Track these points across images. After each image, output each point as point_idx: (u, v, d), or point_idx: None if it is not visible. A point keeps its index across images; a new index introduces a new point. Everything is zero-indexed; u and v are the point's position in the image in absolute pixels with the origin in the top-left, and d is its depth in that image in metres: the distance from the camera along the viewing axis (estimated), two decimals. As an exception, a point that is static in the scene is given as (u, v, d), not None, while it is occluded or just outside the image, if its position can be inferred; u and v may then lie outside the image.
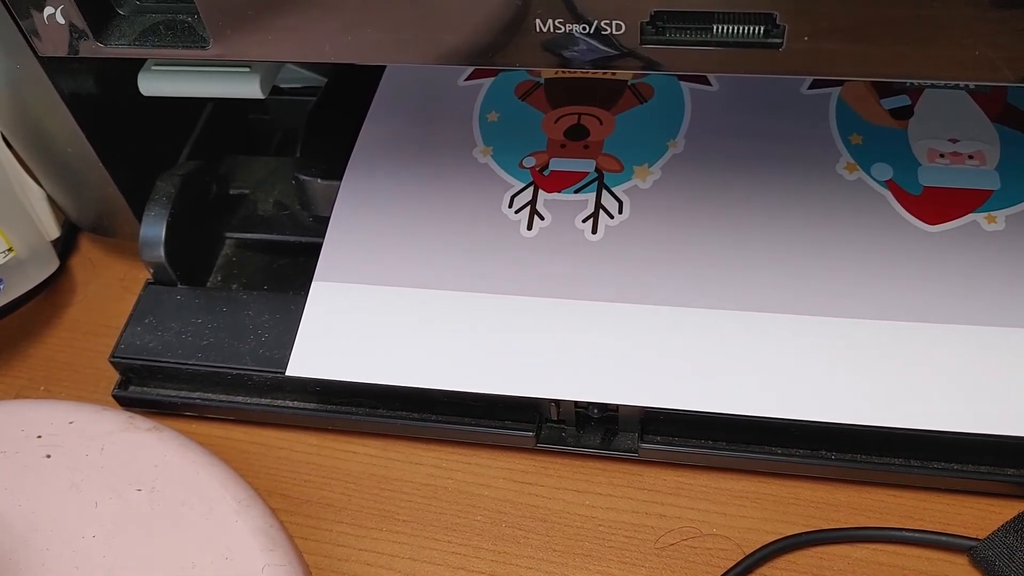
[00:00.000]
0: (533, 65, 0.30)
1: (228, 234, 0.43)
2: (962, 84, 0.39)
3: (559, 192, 0.38)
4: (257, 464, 0.39)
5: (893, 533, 0.34)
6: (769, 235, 0.36)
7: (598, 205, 0.38)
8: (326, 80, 0.45)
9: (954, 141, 0.38)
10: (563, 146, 0.40)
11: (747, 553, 0.34)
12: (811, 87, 0.40)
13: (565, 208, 0.38)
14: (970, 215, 0.36)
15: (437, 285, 0.37)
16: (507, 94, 0.42)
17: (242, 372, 0.38)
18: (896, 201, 0.36)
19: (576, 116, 0.40)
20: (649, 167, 0.38)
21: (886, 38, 0.27)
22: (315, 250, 0.38)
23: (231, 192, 0.44)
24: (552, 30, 0.29)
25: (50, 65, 0.36)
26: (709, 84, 0.41)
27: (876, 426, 0.32)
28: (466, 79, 0.43)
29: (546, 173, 0.39)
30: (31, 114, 0.39)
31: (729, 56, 0.29)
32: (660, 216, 0.37)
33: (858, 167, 0.37)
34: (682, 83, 0.41)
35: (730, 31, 0.28)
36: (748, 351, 0.34)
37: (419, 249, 0.38)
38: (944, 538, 0.33)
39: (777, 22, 0.27)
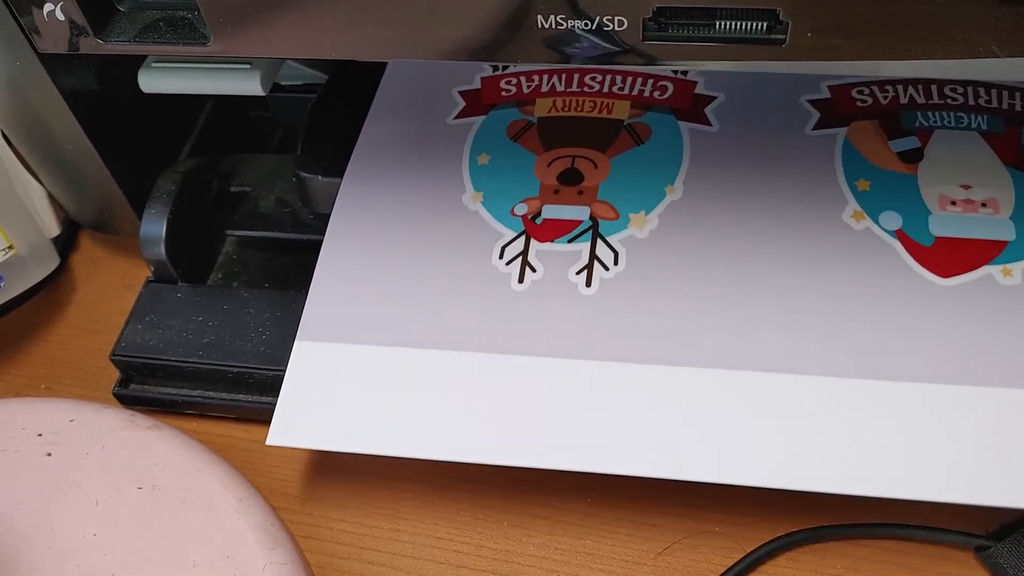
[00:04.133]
0: (534, 61, 0.30)
1: (229, 231, 0.43)
2: (974, 125, 0.37)
3: (552, 242, 0.36)
4: (258, 462, 0.38)
5: (897, 530, 0.34)
6: (772, 290, 0.34)
7: (592, 256, 0.36)
8: (327, 77, 0.45)
9: (966, 187, 0.36)
10: (556, 192, 0.38)
11: (748, 551, 0.34)
12: (816, 127, 0.38)
13: (558, 259, 0.36)
14: (984, 268, 0.34)
15: (424, 344, 0.35)
16: (498, 134, 0.40)
17: (243, 370, 0.38)
18: (906, 252, 0.34)
19: (570, 159, 0.39)
20: (646, 214, 0.37)
21: (889, 33, 0.27)
22: (316, 247, 0.38)
23: (232, 189, 0.44)
24: (554, 26, 0.29)
25: (50, 62, 0.36)
26: (709, 124, 0.39)
27: (887, 497, 0.31)
28: (456, 116, 0.41)
29: (538, 221, 0.37)
30: (31, 111, 0.38)
31: (732, 52, 0.28)
32: (657, 268, 0.35)
33: (866, 215, 0.35)
34: (680, 123, 0.39)
35: (733, 27, 0.28)
36: (750, 414, 0.32)
37: (406, 305, 0.36)
38: (949, 535, 0.33)
39: (780, 18, 0.27)
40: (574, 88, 0.41)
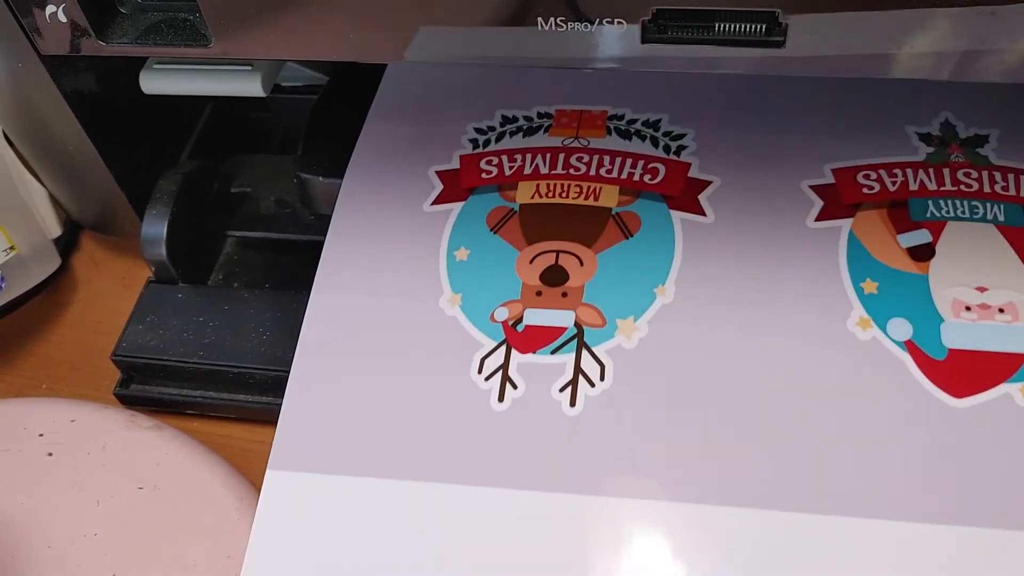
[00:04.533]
0: (535, 63, 0.30)
1: (229, 232, 0.43)
2: (989, 216, 0.34)
3: (534, 353, 0.34)
4: (259, 462, 0.38)
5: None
6: (771, 414, 0.31)
7: (577, 370, 0.33)
8: (328, 78, 0.45)
9: (982, 290, 0.32)
10: (539, 293, 0.35)
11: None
12: (819, 218, 0.35)
13: (540, 374, 0.33)
14: (1002, 386, 0.31)
15: (400, 475, 0.32)
16: (478, 225, 0.37)
17: (244, 370, 0.38)
18: (917, 368, 0.31)
19: (554, 255, 0.36)
20: (635, 321, 0.34)
21: (889, 36, 0.27)
22: (316, 248, 0.38)
23: (232, 190, 0.44)
24: (554, 28, 0.29)
25: (52, 63, 0.36)
26: (703, 214, 0.36)
27: None
28: (433, 202, 0.38)
29: (520, 328, 0.34)
30: (33, 112, 0.39)
31: (731, 55, 0.29)
32: (646, 384, 0.32)
33: (872, 323, 0.32)
34: (672, 212, 0.36)
35: (732, 29, 0.28)
36: (748, 558, 0.29)
37: (381, 428, 0.33)
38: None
39: (779, 20, 0.27)
40: (559, 170, 0.38)
